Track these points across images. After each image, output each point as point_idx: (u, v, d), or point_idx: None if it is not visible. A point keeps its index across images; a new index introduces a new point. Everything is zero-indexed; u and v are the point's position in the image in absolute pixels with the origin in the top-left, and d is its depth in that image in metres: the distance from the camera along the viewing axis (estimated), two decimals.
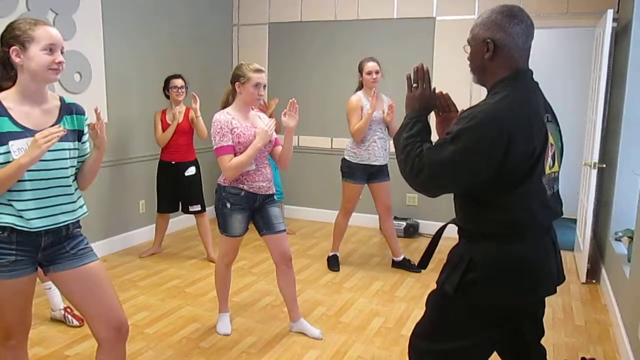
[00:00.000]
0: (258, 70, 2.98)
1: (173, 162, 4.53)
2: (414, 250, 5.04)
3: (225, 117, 2.95)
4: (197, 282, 4.11)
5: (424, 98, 1.77)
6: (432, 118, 1.93)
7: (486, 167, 1.55)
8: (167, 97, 4.55)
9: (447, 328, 1.76)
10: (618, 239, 3.86)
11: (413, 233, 5.48)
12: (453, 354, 1.75)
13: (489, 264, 1.65)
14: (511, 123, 1.54)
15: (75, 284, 2.02)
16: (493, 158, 1.54)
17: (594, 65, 4.57)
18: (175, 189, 4.57)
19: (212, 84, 5.70)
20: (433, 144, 1.65)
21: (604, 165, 4.36)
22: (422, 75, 1.78)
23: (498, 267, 1.65)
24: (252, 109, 3.16)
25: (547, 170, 1.68)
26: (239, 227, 3.07)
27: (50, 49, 1.87)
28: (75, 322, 3.26)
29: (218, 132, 2.91)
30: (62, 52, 1.92)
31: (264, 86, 3.03)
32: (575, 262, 4.70)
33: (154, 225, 4.78)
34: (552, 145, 1.68)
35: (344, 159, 4.37)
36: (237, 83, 2.99)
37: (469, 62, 1.74)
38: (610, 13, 4.00)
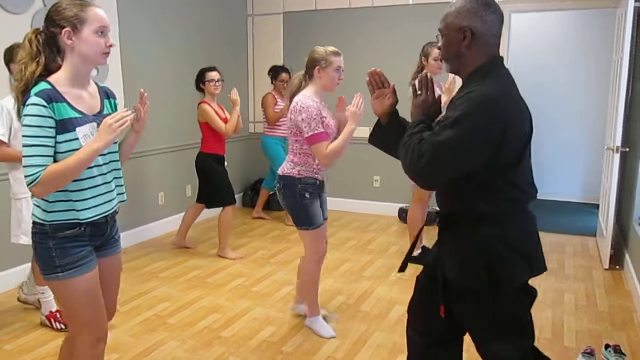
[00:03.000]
0: (338, 53, 2.92)
1: (223, 155, 4.46)
2: (435, 237, 5.01)
3: (316, 104, 2.86)
4: (217, 273, 4.14)
5: (427, 105, 1.82)
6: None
7: (487, 149, 1.59)
8: (200, 90, 4.40)
9: (512, 322, 1.75)
10: None
11: (434, 220, 5.44)
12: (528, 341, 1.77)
13: (508, 243, 1.67)
14: (507, 105, 1.61)
15: (106, 272, 2.02)
16: (492, 139, 1.58)
17: (616, 47, 4.46)
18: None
19: (227, 75, 5.69)
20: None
21: (627, 149, 4.27)
22: (425, 83, 1.83)
23: (518, 243, 1.69)
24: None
25: None
26: (319, 214, 3.01)
27: (102, 31, 1.83)
28: (61, 325, 3.16)
29: (314, 119, 2.80)
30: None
31: (343, 70, 2.96)
32: (598, 248, 4.63)
33: (175, 217, 4.75)
34: None
35: None
36: (317, 67, 2.89)
37: (441, 51, 1.78)
38: None
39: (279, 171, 3.01)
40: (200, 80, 4.37)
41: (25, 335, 3.10)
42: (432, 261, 1.90)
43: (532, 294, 1.77)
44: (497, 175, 1.66)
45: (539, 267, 1.74)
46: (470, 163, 1.62)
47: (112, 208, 1.98)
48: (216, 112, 4.31)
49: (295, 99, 2.91)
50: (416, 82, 1.86)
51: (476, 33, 1.67)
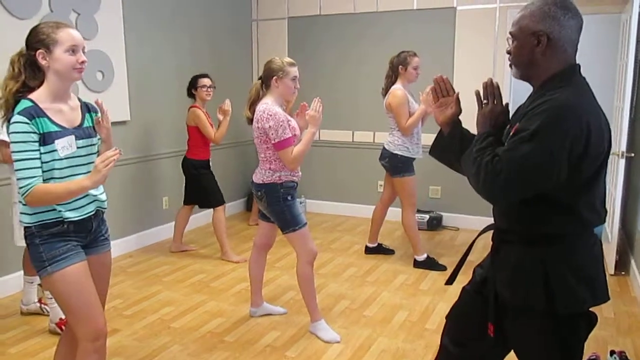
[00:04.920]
0: (294, 64, 3.05)
1: (209, 159, 4.60)
2: (438, 242, 5.01)
3: (281, 110, 2.99)
4: (221, 277, 4.14)
5: (494, 114, 1.69)
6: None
7: (567, 164, 1.48)
8: (191, 96, 4.51)
9: (561, 349, 1.64)
10: None
11: (437, 226, 5.44)
12: None
13: (574, 267, 1.57)
14: (589, 118, 1.49)
15: (95, 269, 2.10)
16: (573, 154, 1.47)
17: (621, 52, 4.46)
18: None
19: (232, 80, 5.72)
20: (506, 145, 1.55)
21: (632, 154, 4.25)
22: (491, 91, 1.71)
23: (584, 268, 1.58)
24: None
25: None
26: (302, 213, 3.13)
27: (73, 50, 1.97)
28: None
29: (281, 125, 2.91)
30: (83, 52, 2.02)
31: (299, 79, 3.09)
32: (604, 253, 4.60)
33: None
34: None
35: (395, 155, 4.19)
36: (274, 77, 3.01)
37: (510, 55, 1.65)
38: None
39: (257, 180, 3.09)
40: (193, 86, 4.49)
41: (30, 339, 3.11)
42: (483, 276, 1.78)
43: (591, 321, 1.65)
44: (574, 195, 1.54)
45: (603, 295, 1.63)
46: (552, 180, 1.49)
47: (94, 210, 2.10)
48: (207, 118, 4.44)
49: (261, 107, 3.00)
50: (481, 90, 1.73)
51: (552, 39, 1.55)
